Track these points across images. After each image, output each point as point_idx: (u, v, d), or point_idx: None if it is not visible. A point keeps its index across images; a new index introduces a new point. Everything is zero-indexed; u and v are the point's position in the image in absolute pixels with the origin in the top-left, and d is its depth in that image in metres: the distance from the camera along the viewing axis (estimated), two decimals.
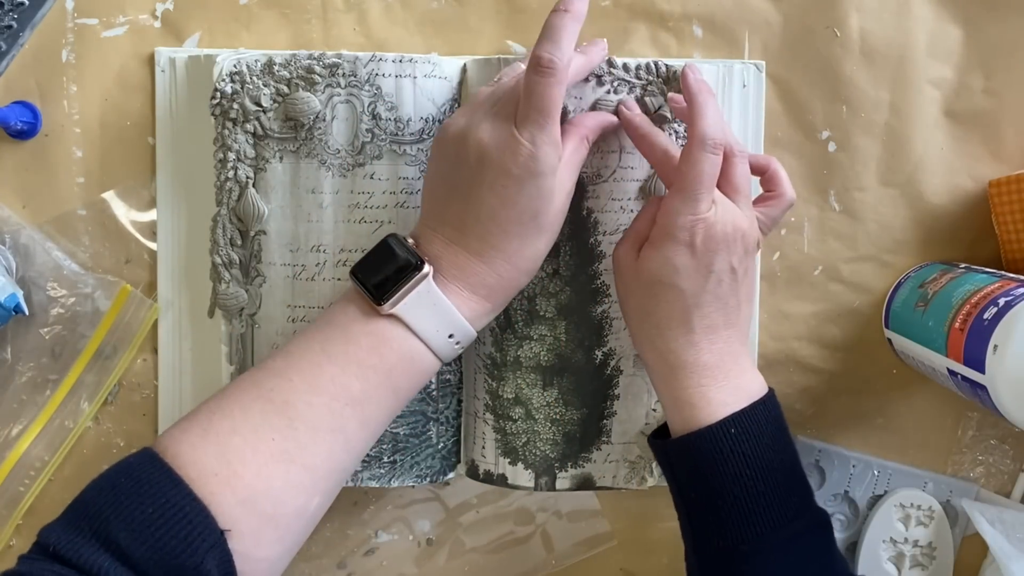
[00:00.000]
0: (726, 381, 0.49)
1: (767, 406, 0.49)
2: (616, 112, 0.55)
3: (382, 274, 0.48)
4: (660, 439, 0.51)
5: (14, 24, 0.58)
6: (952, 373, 0.48)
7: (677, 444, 0.49)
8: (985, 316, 0.46)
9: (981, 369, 0.44)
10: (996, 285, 0.48)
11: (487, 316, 0.51)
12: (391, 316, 0.48)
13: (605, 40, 0.55)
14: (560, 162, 0.48)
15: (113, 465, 0.44)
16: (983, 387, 0.44)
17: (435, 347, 0.49)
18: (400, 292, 0.47)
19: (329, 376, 0.47)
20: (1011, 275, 0.51)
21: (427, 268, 0.48)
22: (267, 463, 0.44)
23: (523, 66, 0.53)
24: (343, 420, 0.47)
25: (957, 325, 0.48)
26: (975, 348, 0.45)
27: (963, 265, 0.57)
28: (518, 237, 0.48)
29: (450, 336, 0.49)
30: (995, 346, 0.43)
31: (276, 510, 0.44)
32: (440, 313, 0.48)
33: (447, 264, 0.49)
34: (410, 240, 0.50)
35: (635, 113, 0.54)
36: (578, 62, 0.52)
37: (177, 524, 0.41)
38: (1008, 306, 0.44)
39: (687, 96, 0.50)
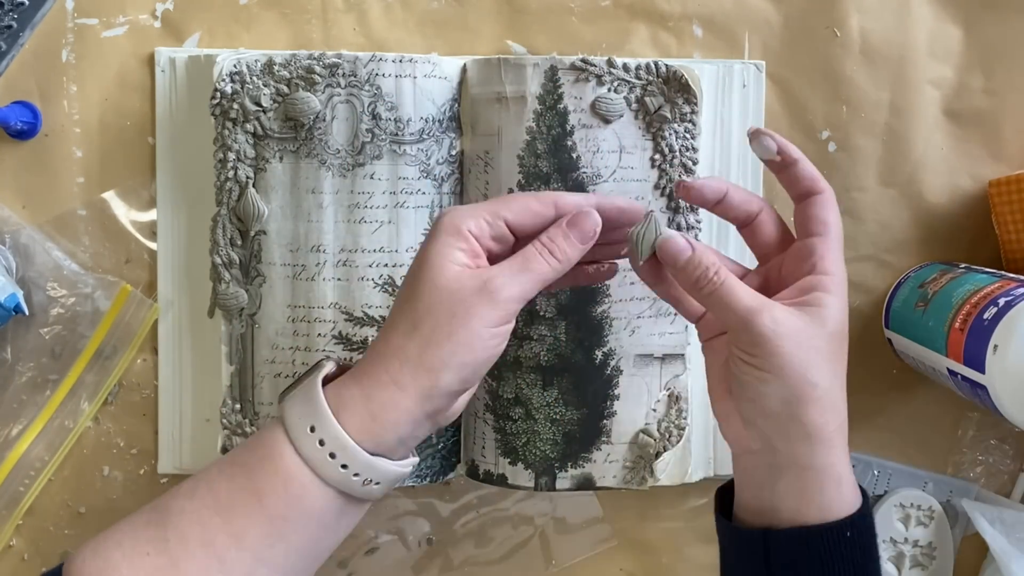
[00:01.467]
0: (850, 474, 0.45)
1: (870, 517, 0.46)
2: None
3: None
4: (730, 519, 0.47)
5: (14, 24, 0.58)
6: (952, 373, 0.48)
7: (790, 536, 0.44)
8: (985, 316, 0.46)
9: (981, 369, 0.44)
10: (996, 285, 0.48)
11: (381, 439, 0.43)
12: (277, 419, 0.44)
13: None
14: None
15: None
16: (983, 387, 0.44)
17: (307, 455, 0.42)
18: (292, 390, 0.44)
19: (207, 480, 0.43)
20: (1011, 275, 0.51)
21: (327, 365, 0.45)
22: None
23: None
24: (212, 532, 0.42)
25: (957, 325, 0.48)
26: (975, 348, 0.45)
27: (963, 265, 0.57)
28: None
29: (331, 455, 0.42)
30: (995, 346, 0.43)
31: None
32: (312, 410, 0.43)
33: (362, 371, 0.44)
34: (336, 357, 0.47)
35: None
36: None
37: None
38: (1008, 306, 0.44)
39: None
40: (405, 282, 0.45)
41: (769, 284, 0.48)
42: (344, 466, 0.42)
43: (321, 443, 0.42)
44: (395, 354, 0.43)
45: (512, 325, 0.44)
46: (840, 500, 0.44)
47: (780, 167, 0.48)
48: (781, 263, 0.48)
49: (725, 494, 0.49)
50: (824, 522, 0.44)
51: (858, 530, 0.44)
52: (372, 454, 0.43)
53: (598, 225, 0.46)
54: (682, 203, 0.57)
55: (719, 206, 0.48)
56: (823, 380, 0.43)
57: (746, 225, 0.49)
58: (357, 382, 0.44)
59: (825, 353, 0.43)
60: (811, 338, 0.43)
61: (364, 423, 0.43)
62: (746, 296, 0.43)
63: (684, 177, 0.53)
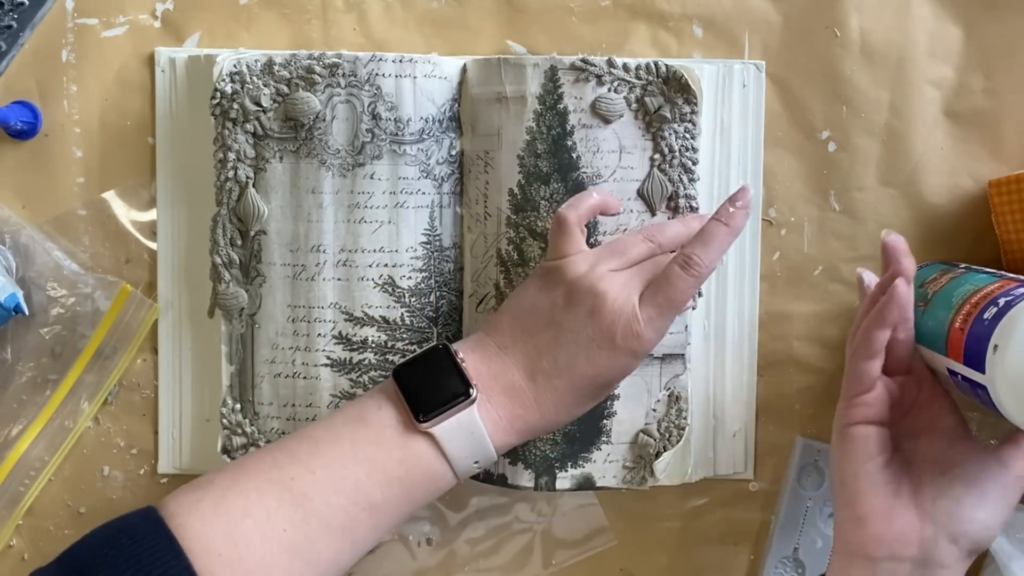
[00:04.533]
0: None
1: None
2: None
3: (427, 388, 0.48)
4: None
5: (14, 24, 0.58)
6: (952, 373, 0.48)
7: None
8: (985, 316, 0.46)
9: (981, 369, 0.44)
10: (996, 285, 0.48)
11: (510, 447, 0.50)
12: (426, 434, 0.47)
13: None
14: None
15: (116, 520, 0.43)
16: (983, 387, 0.44)
17: (459, 470, 0.48)
18: (443, 415, 0.47)
19: (353, 480, 0.46)
20: (1011, 275, 0.51)
21: (474, 394, 0.48)
22: (273, 553, 0.44)
23: (650, 238, 0.52)
24: (356, 524, 0.46)
25: (957, 325, 0.48)
26: (975, 348, 0.45)
27: (963, 265, 0.57)
28: (581, 396, 0.49)
29: (475, 462, 0.48)
30: (995, 346, 0.43)
31: None
32: (475, 443, 0.48)
33: (498, 389, 0.49)
34: (461, 355, 0.49)
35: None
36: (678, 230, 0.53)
37: None
38: (1008, 306, 0.44)
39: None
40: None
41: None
42: (478, 463, 0.49)
43: (476, 463, 0.49)
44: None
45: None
46: None
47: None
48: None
49: None
50: None
51: None
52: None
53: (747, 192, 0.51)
54: (681, 203, 0.57)
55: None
56: None
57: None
58: (508, 397, 0.49)
59: None
60: None
61: (507, 439, 0.49)
62: None
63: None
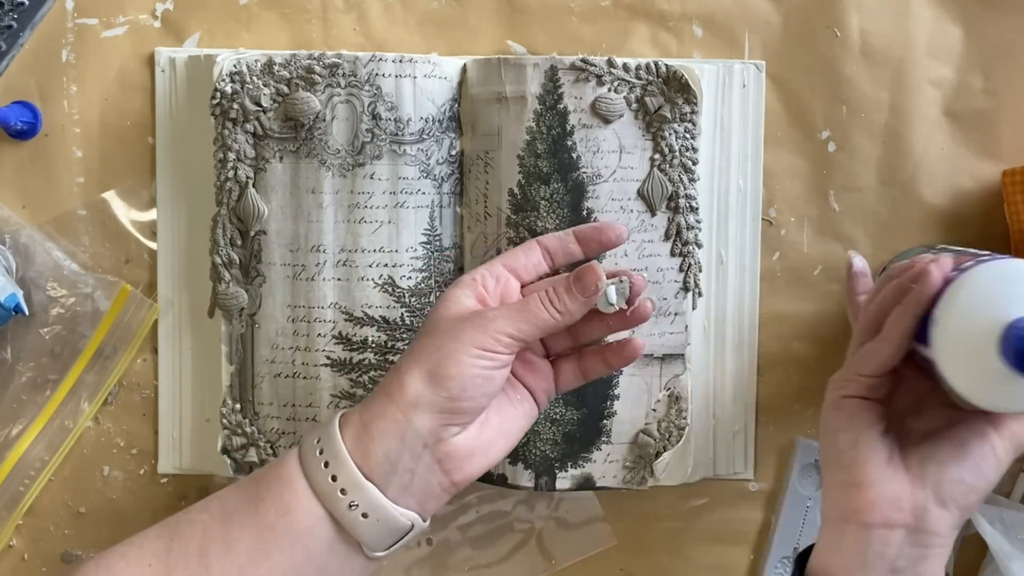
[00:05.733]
0: None
1: None
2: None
3: None
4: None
5: (14, 24, 0.58)
6: (915, 354, 0.48)
7: None
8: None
9: (928, 343, 0.45)
10: (955, 261, 0.48)
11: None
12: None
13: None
14: None
15: None
16: (932, 361, 0.44)
17: (306, 462, 0.44)
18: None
19: (223, 492, 0.45)
20: (975, 251, 0.50)
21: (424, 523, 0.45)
22: None
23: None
24: (209, 540, 0.43)
25: None
26: (924, 324, 0.45)
27: (941, 246, 0.57)
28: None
29: (325, 464, 0.44)
30: (935, 319, 0.43)
31: None
32: (322, 425, 0.45)
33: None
34: None
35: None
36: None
37: None
38: (950, 280, 0.44)
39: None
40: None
41: None
42: (334, 478, 0.43)
43: (320, 451, 0.44)
44: (391, 372, 0.45)
45: (504, 366, 0.45)
46: None
47: None
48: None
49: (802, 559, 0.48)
50: None
51: None
52: (365, 476, 0.43)
53: (600, 279, 0.46)
54: (681, 203, 0.57)
55: None
56: None
57: None
58: (363, 403, 0.46)
59: None
60: None
61: (356, 432, 0.44)
62: None
63: None
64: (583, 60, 0.55)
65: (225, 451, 0.57)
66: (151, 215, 0.59)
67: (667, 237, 0.57)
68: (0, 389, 0.59)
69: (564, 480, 0.57)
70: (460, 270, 0.59)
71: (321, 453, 0.44)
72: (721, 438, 0.60)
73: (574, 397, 0.57)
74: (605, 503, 0.62)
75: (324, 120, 0.55)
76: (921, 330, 0.45)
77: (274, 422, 0.57)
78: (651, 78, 0.56)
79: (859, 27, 0.60)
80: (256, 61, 0.55)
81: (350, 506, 0.43)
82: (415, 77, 0.56)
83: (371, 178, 0.56)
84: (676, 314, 0.58)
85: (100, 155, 0.59)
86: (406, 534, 0.45)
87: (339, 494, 0.43)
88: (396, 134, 0.56)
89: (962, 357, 0.43)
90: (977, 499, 0.45)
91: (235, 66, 0.55)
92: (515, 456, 0.57)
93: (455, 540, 0.62)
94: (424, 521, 0.45)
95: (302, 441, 0.46)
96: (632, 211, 0.57)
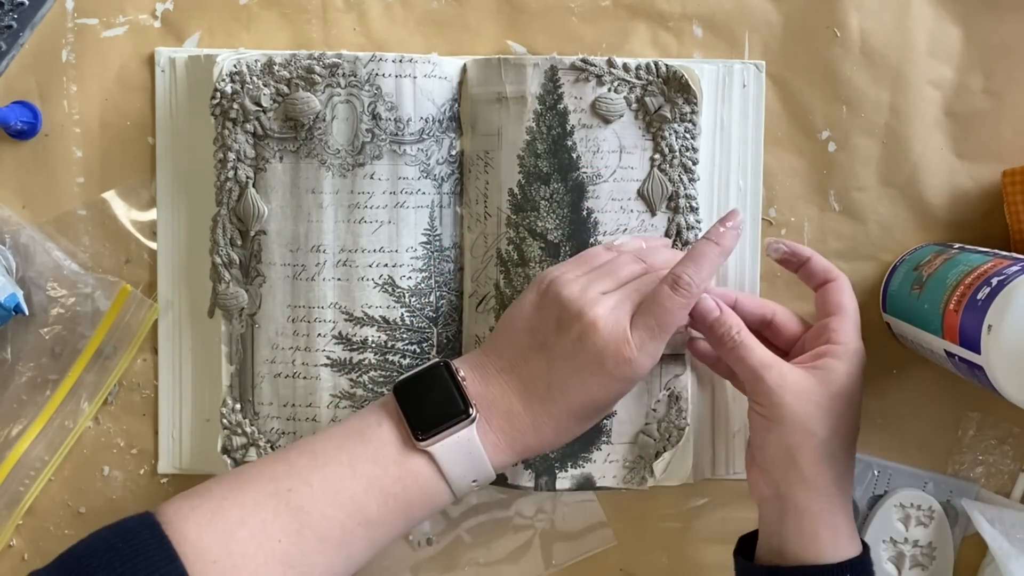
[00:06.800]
0: (849, 521, 0.50)
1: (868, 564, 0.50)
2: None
3: (427, 406, 0.48)
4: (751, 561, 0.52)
5: (14, 24, 0.58)
6: (950, 355, 0.48)
7: (792, 573, 0.49)
8: (979, 296, 0.45)
9: (977, 350, 0.44)
10: (989, 264, 0.48)
11: (509, 466, 0.51)
12: (425, 452, 0.47)
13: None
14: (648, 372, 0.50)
15: (114, 524, 0.44)
16: (980, 368, 0.44)
17: (456, 489, 0.48)
18: (442, 434, 0.47)
19: (350, 494, 0.46)
20: (1004, 253, 0.51)
21: (474, 414, 0.48)
22: (267, 563, 0.44)
23: (646, 243, 0.54)
24: (353, 538, 0.46)
25: (952, 307, 0.48)
26: (970, 329, 0.45)
27: (957, 245, 0.57)
28: (578, 419, 0.49)
29: (473, 481, 0.49)
30: (989, 326, 0.43)
31: None
32: (473, 462, 0.48)
33: (497, 412, 0.49)
34: (462, 373, 0.49)
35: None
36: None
37: None
38: (1001, 285, 0.44)
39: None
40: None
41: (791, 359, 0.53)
42: (475, 483, 0.49)
43: (475, 482, 0.49)
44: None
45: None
46: (835, 546, 0.49)
47: (796, 265, 0.55)
48: (803, 343, 0.54)
49: (746, 541, 0.54)
50: (820, 563, 0.48)
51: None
52: None
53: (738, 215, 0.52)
54: (681, 203, 0.57)
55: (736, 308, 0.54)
56: (821, 431, 0.48)
57: (767, 327, 0.55)
58: (507, 421, 0.49)
59: (826, 409, 0.49)
60: (813, 395, 0.49)
61: (505, 459, 0.49)
62: (760, 353, 0.50)
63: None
64: (583, 60, 0.55)
65: (225, 451, 0.57)
66: (151, 215, 0.59)
67: (667, 237, 0.57)
68: (0, 389, 0.59)
69: (564, 480, 0.57)
70: (460, 270, 0.59)
71: (475, 482, 0.49)
72: (721, 438, 0.60)
73: None
74: (605, 503, 0.62)
75: (324, 120, 0.55)
76: (967, 336, 0.45)
77: (274, 422, 0.57)
78: (651, 78, 0.56)
79: (859, 27, 0.60)
80: (256, 61, 0.55)
81: (473, 485, 0.49)
82: (415, 77, 0.56)
83: (371, 178, 0.56)
84: None
85: (100, 155, 0.59)
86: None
87: (472, 484, 0.49)
88: (396, 134, 0.56)
89: (1015, 364, 0.43)
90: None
91: (235, 66, 0.55)
92: None
93: (456, 540, 0.62)
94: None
95: (452, 479, 0.48)
96: (632, 211, 0.57)
